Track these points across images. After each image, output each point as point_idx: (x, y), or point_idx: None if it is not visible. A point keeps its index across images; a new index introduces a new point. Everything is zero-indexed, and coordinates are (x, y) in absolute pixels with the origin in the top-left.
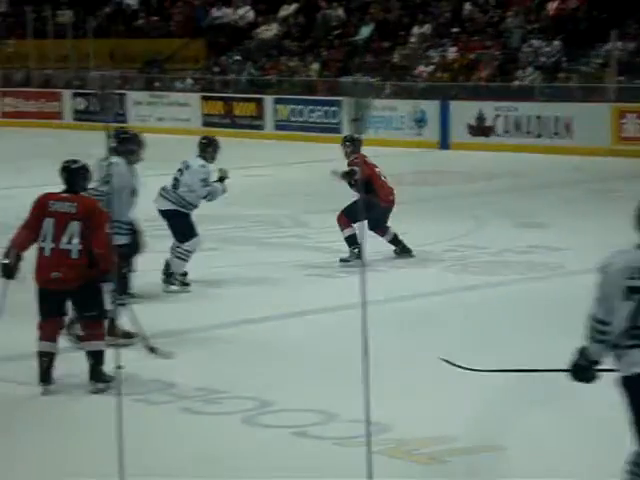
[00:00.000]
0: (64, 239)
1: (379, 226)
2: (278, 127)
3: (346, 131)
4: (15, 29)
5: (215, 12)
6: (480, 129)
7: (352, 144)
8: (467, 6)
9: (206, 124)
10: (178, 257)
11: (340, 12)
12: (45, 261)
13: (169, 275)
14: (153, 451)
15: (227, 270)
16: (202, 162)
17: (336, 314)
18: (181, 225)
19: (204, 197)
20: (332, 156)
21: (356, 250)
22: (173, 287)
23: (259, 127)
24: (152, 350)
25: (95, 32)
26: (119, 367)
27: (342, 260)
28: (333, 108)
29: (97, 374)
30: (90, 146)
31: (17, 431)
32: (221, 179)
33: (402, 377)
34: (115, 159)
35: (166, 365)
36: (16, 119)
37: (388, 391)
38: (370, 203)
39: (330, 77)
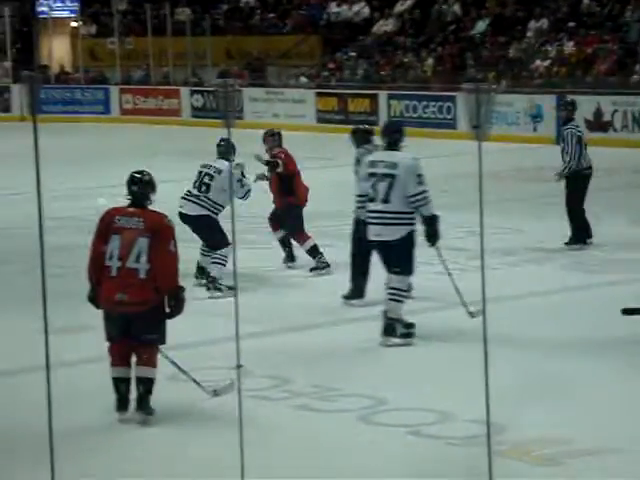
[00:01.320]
0: (131, 257)
1: (299, 230)
2: None
3: (463, 130)
4: (135, 27)
5: (331, 8)
6: (598, 124)
7: (274, 138)
8: (585, 0)
9: (320, 120)
10: (217, 263)
11: (456, 7)
12: (111, 282)
13: (211, 281)
14: (270, 448)
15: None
16: (230, 163)
17: (450, 313)
18: (214, 230)
19: (242, 197)
20: (447, 152)
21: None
22: (218, 293)
23: (373, 123)
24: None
25: (212, 29)
26: (239, 366)
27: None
28: (447, 104)
29: (145, 404)
30: (207, 142)
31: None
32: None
33: (517, 377)
34: (384, 153)
35: (282, 361)
36: (135, 116)
37: (504, 391)
38: (290, 206)
39: (444, 73)
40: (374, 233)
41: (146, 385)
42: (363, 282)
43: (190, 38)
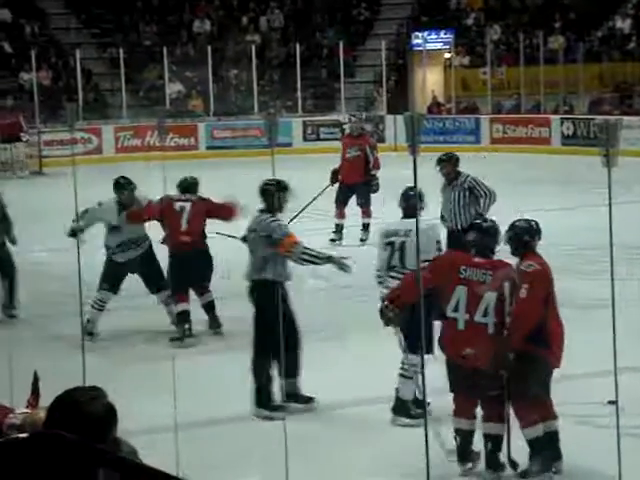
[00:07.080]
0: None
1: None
2: None
3: None
4: (507, 56)
5: None
6: None
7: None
8: None
9: None
10: None
11: None
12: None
13: None
14: None
15: None
16: None
17: None
18: None
19: None
20: None
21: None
22: None
23: None
24: None
25: (585, 56)
26: (611, 402)
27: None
28: None
29: (495, 461)
30: (580, 171)
31: None
32: None
33: None
34: None
35: None
36: (504, 145)
37: None
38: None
39: None
40: None
41: (494, 441)
42: None
43: (562, 66)
